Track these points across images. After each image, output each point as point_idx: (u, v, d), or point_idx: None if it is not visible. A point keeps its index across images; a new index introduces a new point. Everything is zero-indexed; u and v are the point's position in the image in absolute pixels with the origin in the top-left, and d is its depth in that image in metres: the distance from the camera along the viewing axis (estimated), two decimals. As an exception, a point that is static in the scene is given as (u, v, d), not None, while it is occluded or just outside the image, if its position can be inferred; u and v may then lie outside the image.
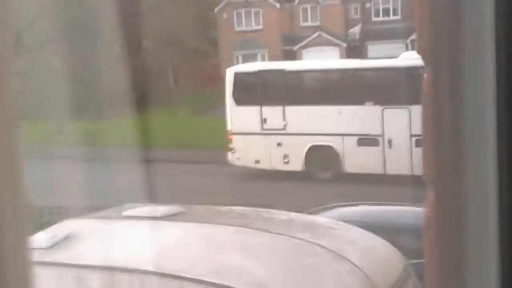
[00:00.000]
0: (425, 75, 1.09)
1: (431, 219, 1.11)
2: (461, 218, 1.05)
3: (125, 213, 6.25)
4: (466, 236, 1.05)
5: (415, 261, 7.46)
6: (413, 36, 39.51)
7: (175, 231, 5.81)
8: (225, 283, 4.82)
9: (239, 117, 20.94)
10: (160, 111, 29.08)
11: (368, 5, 43.38)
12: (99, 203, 12.01)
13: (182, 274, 5.07)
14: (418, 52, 1.10)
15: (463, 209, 1.05)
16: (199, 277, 4.99)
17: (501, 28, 1.00)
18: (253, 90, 20.97)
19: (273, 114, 20.60)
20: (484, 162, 1.03)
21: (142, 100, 24.31)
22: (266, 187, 19.63)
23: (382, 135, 19.56)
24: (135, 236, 5.83)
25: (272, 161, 20.75)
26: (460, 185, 1.05)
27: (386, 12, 43.15)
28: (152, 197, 14.49)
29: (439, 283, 1.11)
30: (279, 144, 20.62)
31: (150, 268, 5.21)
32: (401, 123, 19.01)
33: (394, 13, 42.87)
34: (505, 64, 1.00)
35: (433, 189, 1.10)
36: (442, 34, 1.05)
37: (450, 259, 1.08)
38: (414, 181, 17.01)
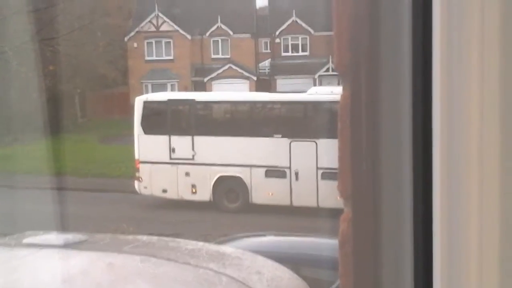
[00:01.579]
0: (342, 91, 1.10)
1: (347, 236, 1.11)
2: (377, 234, 1.06)
3: (25, 241, 6.05)
4: (382, 251, 1.06)
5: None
6: (321, 72, 40.43)
7: (78, 260, 5.65)
8: (129, 312, 4.72)
9: (147, 146, 20.76)
10: (67, 138, 28.50)
11: (277, 40, 44.13)
12: (3, 230, 11.60)
13: (85, 304, 4.94)
14: (336, 69, 1.11)
15: (379, 224, 1.05)
16: (102, 307, 4.87)
17: (418, 43, 1.02)
18: (162, 119, 20.87)
19: (181, 143, 20.53)
20: (400, 177, 1.04)
21: (48, 127, 23.74)
22: (173, 217, 19.47)
23: (289, 167, 19.78)
24: (36, 265, 5.64)
25: (180, 190, 20.62)
26: (376, 200, 1.05)
27: (295, 48, 44.02)
28: (57, 225, 14.12)
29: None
30: (187, 174, 20.53)
31: (51, 297, 5.05)
32: (308, 156, 19.28)
33: (303, 49, 43.77)
34: (421, 77, 1.02)
35: (349, 204, 1.10)
36: (360, 49, 1.05)
37: (365, 275, 1.08)
38: (320, 213, 17.32)
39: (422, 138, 1.02)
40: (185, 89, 39.89)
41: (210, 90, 39.38)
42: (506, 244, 0.96)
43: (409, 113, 1.03)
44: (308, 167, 19.38)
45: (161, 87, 38.85)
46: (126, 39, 42.02)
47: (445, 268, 0.99)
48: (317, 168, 19.23)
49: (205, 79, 41.62)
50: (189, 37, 42.32)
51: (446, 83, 0.97)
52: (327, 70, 39.69)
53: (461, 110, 0.97)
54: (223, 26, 42.77)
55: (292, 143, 19.60)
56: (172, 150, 20.64)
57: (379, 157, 1.05)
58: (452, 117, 0.97)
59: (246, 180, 20.19)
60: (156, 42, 42.33)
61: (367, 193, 1.06)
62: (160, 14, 41.89)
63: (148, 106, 21.10)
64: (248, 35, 43.52)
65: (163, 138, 20.63)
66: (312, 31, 42.82)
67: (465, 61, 0.96)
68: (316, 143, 19.13)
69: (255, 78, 42.15)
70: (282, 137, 19.72)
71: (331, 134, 16.79)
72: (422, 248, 1.03)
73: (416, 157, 1.03)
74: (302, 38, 43.71)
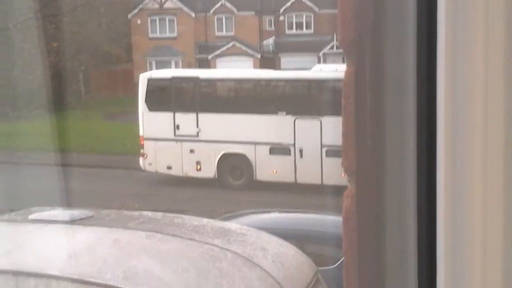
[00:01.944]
0: (346, 67, 1.10)
1: (350, 212, 1.11)
2: (380, 210, 1.06)
3: (31, 217, 6.08)
4: (386, 227, 1.06)
5: (324, 267, 7.57)
6: (325, 50, 40.28)
7: (84, 236, 5.69)
8: (134, 288, 4.76)
9: (151, 122, 20.76)
10: (71, 115, 28.51)
11: (282, 18, 43.93)
12: (8, 206, 11.65)
13: (90, 279, 4.98)
14: (340, 45, 1.11)
15: (383, 201, 1.05)
16: (108, 282, 4.91)
17: (423, 18, 1.02)
18: (166, 96, 20.84)
19: (186, 120, 20.52)
20: (404, 154, 1.04)
21: (52, 103, 23.75)
22: (177, 193, 19.54)
23: (294, 145, 19.78)
24: (42, 240, 5.68)
25: (184, 167, 20.66)
26: (380, 176, 1.05)
27: (299, 25, 43.83)
28: (62, 201, 14.17)
29: (358, 275, 1.12)
30: (191, 151, 20.55)
31: (57, 272, 5.08)
32: (313, 133, 19.27)
33: (307, 27, 43.59)
34: (426, 52, 1.02)
35: (353, 181, 1.10)
36: (364, 25, 1.05)
37: (369, 251, 1.08)
38: (324, 190, 17.35)
39: (427, 114, 1.02)
40: (189, 66, 39.79)
41: (214, 68, 39.30)
42: (509, 240, 0.97)
43: (413, 89, 1.03)
44: (312, 144, 19.38)
45: (165, 64, 38.75)
46: (129, 16, 41.86)
47: (449, 242, 1.00)
48: (322, 145, 19.22)
49: (209, 57, 41.51)
50: (193, 14, 42.15)
51: (451, 60, 0.97)
52: (332, 48, 39.53)
53: (466, 86, 0.96)
54: (227, 4, 42.57)
55: (296, 120, 19.58)
56: (176, 127, 20.64)
57: (383, 133, 1.05)
58: (457, 92, 0.97)
59: (251, 157, 20.20)
60: (159, 19, 42.18)
61: (371, 169, 1.06)
62: (164, -9, 41.73)
63: (152, 83, 21.07)
64: (252, 13, 43.31)
65: (168, 115, 20.62)
66: (316, 9, 42.61)
67: (471, 34, 0.96)
68: (321, 121, 19.12)
69: (259, 56, 42.02)
70: (286, 114, 19.69)
71: (336, 112, 16.77)
72: (426, 225, 1.03)
73: (420, 133, 1.03)
74: (306, 16, 43.51)
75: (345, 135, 1.11)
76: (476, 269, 0.98)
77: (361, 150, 1.07)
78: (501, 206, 0.96)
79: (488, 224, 0.97)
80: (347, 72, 1.09)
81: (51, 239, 5.70)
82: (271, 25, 46.33)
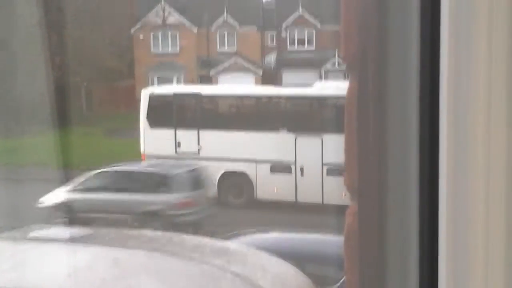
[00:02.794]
0: (349, 83, 1.09)
1: (353, 230, 1.11)
2: (382, 228, 1.05)
3: (31, 234, 6.07)
4: (387, 245, 1.05)
5: (324, 288, 7.54)
6: (327, 66, 40.37)
7: (83, 254, 5.68)
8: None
9: (153, 139, 20.73)
10: (73, 131, 28.51)
11: (284, 34, 44.07)
12: (9, 223, 11.63)
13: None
14: (343, 60, 1.10)
15: (385, 218, 1.04)
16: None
17: (426, 34, 1.01)
18: (168, 113, 20.84)
19: (187, 138, 20.50)
20: (406, 170, 1.03)
21: (53, 119, 23.76)
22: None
23: (295, 163, 19.74)
24: (41, 259, 5.66)
25: (185, 185, 20.59)
26: (382, 194, 1.04)
27: (301, 42, 43.96)
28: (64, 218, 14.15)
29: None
30: (192, 169, 20.51)
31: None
32: (314, 152, 19.24)
33: (309, 43, 43.71)
34: (429, 68, 1.01)
35: (355, 198, 1.09)
36: (367, 40, 1.04)
37: (371, 269, 1.08)
38: (325, 210, 17.30)
39: (429, 131, 1.01)
40: (191, 82, 39.87)
41: (216, 83, 39.37)
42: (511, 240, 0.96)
43: (416, 106, 1.02)
44: (313, 162, 19.33)
45: (167, 80, 38.82)
46: (132, 31, 42.00)
47: (450, 262, 0.99)
48: (323, 164, 19.17)
49: (211, 72, 41.60)
50: (195, 30, 42.29)
51: (453, 75, 0.96)
52: (333, 64, 39.62)
53: (469, 103, 0.96)
54: (229, 19, 42.73)
55: (297, 138, 19.57)
56: (177, 144, 20.62)
57: (385, 150, 1.04)
58: (460, 110, 0.96)
59: (251, 175, 20.15)
60: (162, 34, 42.32)
61: (373, 187, 1.05)
62: (167, 6, 41.86)
63: (154, 99, 21.08)
64: (254, 29, 43.45)
65: (169, 132, 20.61)
66: (318, 25, 42.74)
67: (473, 54, 0.95)
68: (322, 138, 19.09)
69: (261, 72, 42.12)
70: (287, 132, 19.68)
71: (337, 129, 16.73)
72: (428, 243, 1.02)
73: (422, 150, 1.02)
74: (308, 32, 43.64)
75: (347, 152, 1.10)
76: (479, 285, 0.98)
77: (364, 167, 1.07)
78: (503, 215, 0.96)
79: (490, 234, 0.97)
80: (349, 88, 1.09)
81: (51, 257, 5.68)
82: (273, 41, 46.47)
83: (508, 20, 0.94)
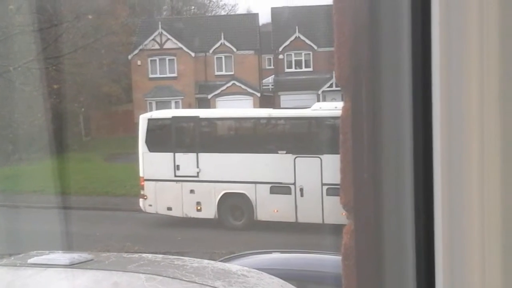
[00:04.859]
0: (344, 103, 1.10)
1: (350, 248, 1.11)
2: (379, 245, 1.05)
3: (31, 260, 6.04)
4: (384, 262, 1.05)
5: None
6: (324, 88, 40.50)
7: (83, 279, 5.64)
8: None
9: (151, 163, 20.73)
10: (72, 157, 28.54)
11: (281, 56, 44.25)
12: (8, 250, 11.59)
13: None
14: (337, 81, 1.11)
15: (381, 236, 1.05)
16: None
17: (417, 53, 1.02)
18: (166, 137, 20.88)
19: (186, 161, 20.52)
20: (401, 187, 1.04)
21: (52, 146, 23.79)
22: (178, 235, 19.44)
23: (294, 184, 19.74)
24: (41, 285, 5.63)
25: (185, 208, 20.58)
26: (378, 211, 1.05)
27: (298, 64, 44.13)
28: (62, 244, 14.11)
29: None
30: (191, 191, 20.50)
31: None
32: (313, 172, 19.26)
33: (306, 65, 43.88)
34: (421, 87, 1.02)
35: (351, 216, 1.10)
36: (360, 61, 1.06)
37: (369, 287, 1.08)
38: (325, 229, 17.27)
39: (423, 148, 1.02)
40: (189, 106, 39.97)
41: (214, 107, 39.46)
42: (508, 244, 0.96)
43: (409, 124, 1.03)
44: (313, 183, 19.34)
45: (165, 104, 38.94)
46: (129, 57, 42.17)
47: (447, 279, 0.99)
48: (322, 184, 19.19)
49: (209, 96, 41.71)
50: (192, 54, 42.47)
51: (445, 93, 0.97)
52: (331, 85, 39.74)
53: (461, 118, 0.97)
54: (227, 43, 42.92)
55: (296, 159, 19.58)
56: (176, 167, 20.62)
57: (380, 168, 1.05)
58: (452, 126, 0.97)
59: (251, 196, 20.15)
60: (159, 59, 42.48)
61: (368, 204, 1.06)
62: (164, 32, 42.07)
63: (152, 123, 21.12)
64: (251, 52, 43.64)
65: (168, 156, 20.62)
66: (315, 47, 42.94)
67: (465, 72, 0.96)
68: (321, 159, 19.11)
69: (258, 95, 42.23)
70: (286, 153, 19.70)
71: (336, 150, 16.67)
72: (424, 259, 1.03)
73: (417, 166, 1.03)
74: (305, 54, 43.83)
75: (343, 170, 1.11)
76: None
77: (359, 185, 1.08)
78: (499, 220, 0.96)
79: (486, 243, 0.97)
80: (344, 108, 1.10)
81: (51, 283, 5.65)
82: (270, 64, 46.67)
83: (499, 21, 0.95)
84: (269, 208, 19.86)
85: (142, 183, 20.94)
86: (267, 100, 41.42)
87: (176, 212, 20.66)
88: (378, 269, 1.06)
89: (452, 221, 0.98)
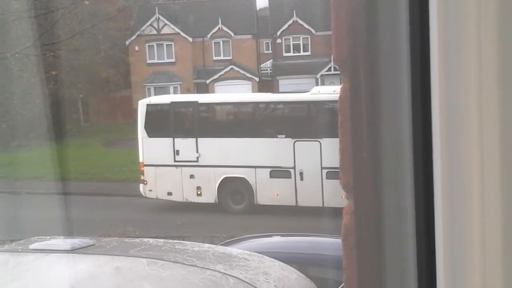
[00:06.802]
0: (342, 84, 1.10)
1: (350, 228, 1.11)
2: (379, 225, 1.06)
3: (32, 246, 6.05)
4: (385, 242, 1.06)
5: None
6: (323, 71, 40.43)
7: (85, 264, 5.66)
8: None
9: (151, 148, 20.75)
10: (71, 143, 28.54)
11: (279, 40, 44.12)
12: (9, 236, 11.61)
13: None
14: (335, 62, 1.11)
15: (381, 216, 1.05)
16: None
17: (416, 33, 1.02)
18: (165, 122, 20.87)
19: (185, 146, 20.53)
20: (401, 167, 1.04)
21: (51, 132, 23.76)
22: (178, 219, 19.48)
23: (294, 168, 19.76)
24: (43, 270, 5.65)
25: (185, 193, 20.62)
26: (378, 191, 1.05)
27: (296, 48, 44.01)
28: (63, 230, 14.14)
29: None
30: (191, 176, 20.53)
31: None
32: (312, 156, 19.27)
33: (305, 49, 43.77)
34: (419, 66, 1.02)
35: (351, 197, 1.10)
36: (358, 41, 1.06)
37: (369, 267, 1.08)
38: (325, 212, 17.31)
39: (422, 128, 1.02)
40: (188, 91, 39.90)
41: (213, 92, 39.40)
42: (508, 238, 0.96)
43: (408, 104, 1.03)
44: (312, 166, 19.36)
45: (164, 90, 38.86)
46: (127, 42, 42.04)
47: (447, 257, 0.99)
48: (322, 167, 19.21)
49: (208, 81, 41.64)
50: (190, 39, 42.35)
51: (444, 73, 0.97)
52: (329, 69, 39.69)
53: (460, 99, 0.97)
54: (224, 28, 42.79)
55: (296, 143, 19.59)
56: (176, 152, 20.63)
57: (379, 148, 1.05)
58: (452, 105, 0.97)
59: (251, 181, 20.18)
60: (157, 45, 42.37)
61: (368, 185, 1.07)
62: (161, 17, 41.92)
63: (151, 109, 21.11)
64: (249, 36, 43.52)
65: (167, 141, 20.63)
66: (313, 31, 42.81)
67: (463, 51, 0.96)
68: (320, 143, 19.12)
69: (257, 79, 42.17)
70: (286, 137, 19.71)
71: (335, 133, 16.68)
72: (425, 238, 1.03)
73: (416, 147, 1.03)
74: (303, 38, 43.71)
75: (342, 151, 1.11)
76: (476, 282, 0.98)
77: (358, 165, 1.08)
78: (499, 213, 0.96)
79: (487, 228, 0.97)
80: (342, 88, 1.10)
81: (52, 269, 5.67)
82: (268, 48, 46.56)
83: (497, 18, 0.95)
84: (269, 192, 19.90)
85: (142, 168, 20.97)
86: (266, 84, 41.36)
87: (176, 197, 20.71)
88: (379, 249, 1.06)
89: (452, 203, 0.98)
